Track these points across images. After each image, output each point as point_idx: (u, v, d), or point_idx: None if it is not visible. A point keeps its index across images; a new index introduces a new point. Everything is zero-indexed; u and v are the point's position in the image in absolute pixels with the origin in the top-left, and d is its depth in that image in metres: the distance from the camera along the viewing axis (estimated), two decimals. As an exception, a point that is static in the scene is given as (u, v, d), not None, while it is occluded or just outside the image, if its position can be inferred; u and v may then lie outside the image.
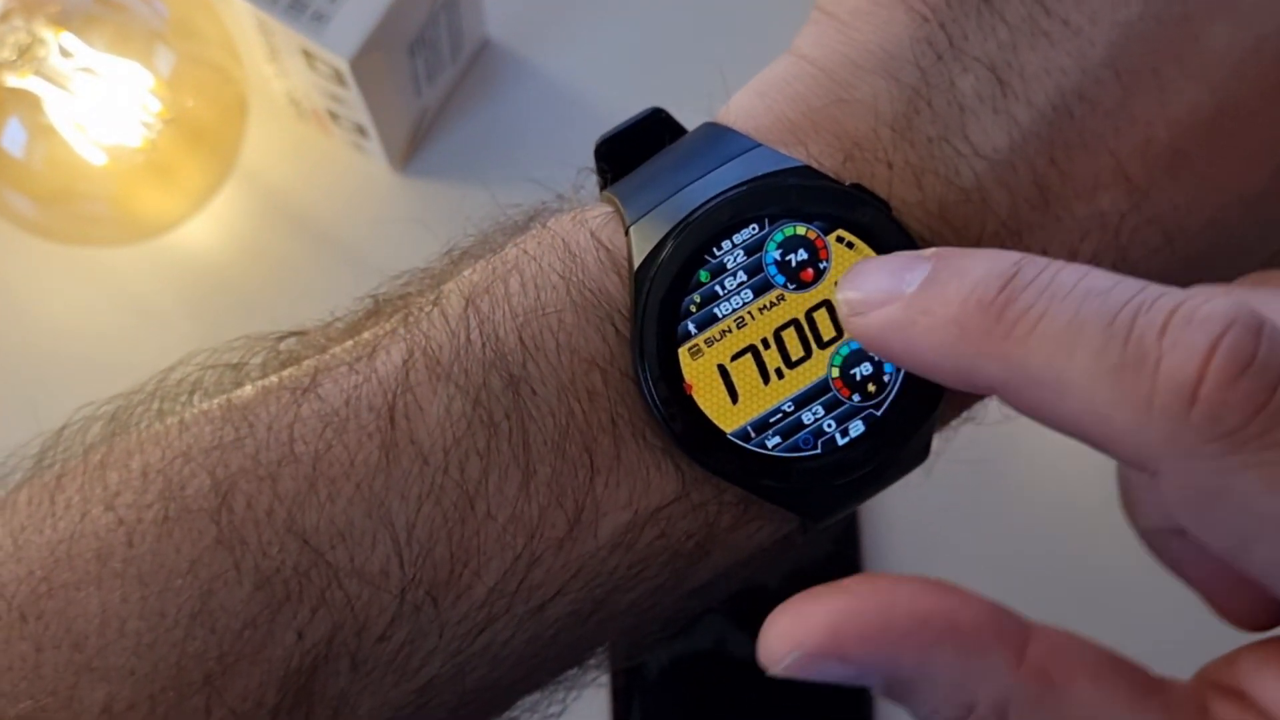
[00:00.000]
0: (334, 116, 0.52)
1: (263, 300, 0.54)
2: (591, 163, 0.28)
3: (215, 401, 0.24)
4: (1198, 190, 0.25)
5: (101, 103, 0.48)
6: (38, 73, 0.47)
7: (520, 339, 0.24)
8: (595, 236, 0.25)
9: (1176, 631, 0.52)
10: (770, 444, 0.24)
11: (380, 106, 0.50)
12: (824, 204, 0.24)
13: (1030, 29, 0.25)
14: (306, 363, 0.25)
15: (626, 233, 0.24)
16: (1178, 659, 0.49)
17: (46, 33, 0.47)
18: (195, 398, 0.26)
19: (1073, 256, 0.25)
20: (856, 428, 0.24)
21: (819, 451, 0.24)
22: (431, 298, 0.25)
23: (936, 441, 0.27)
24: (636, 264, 0.24)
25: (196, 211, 0.53)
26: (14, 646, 0.22)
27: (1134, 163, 0.24)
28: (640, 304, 0.24)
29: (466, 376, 0.24)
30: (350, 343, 0.25)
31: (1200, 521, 0.19)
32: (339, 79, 0.47)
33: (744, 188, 0.24)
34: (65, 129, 0.48)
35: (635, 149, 0.26)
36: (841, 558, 0.51)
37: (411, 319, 0.25)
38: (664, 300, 0.24)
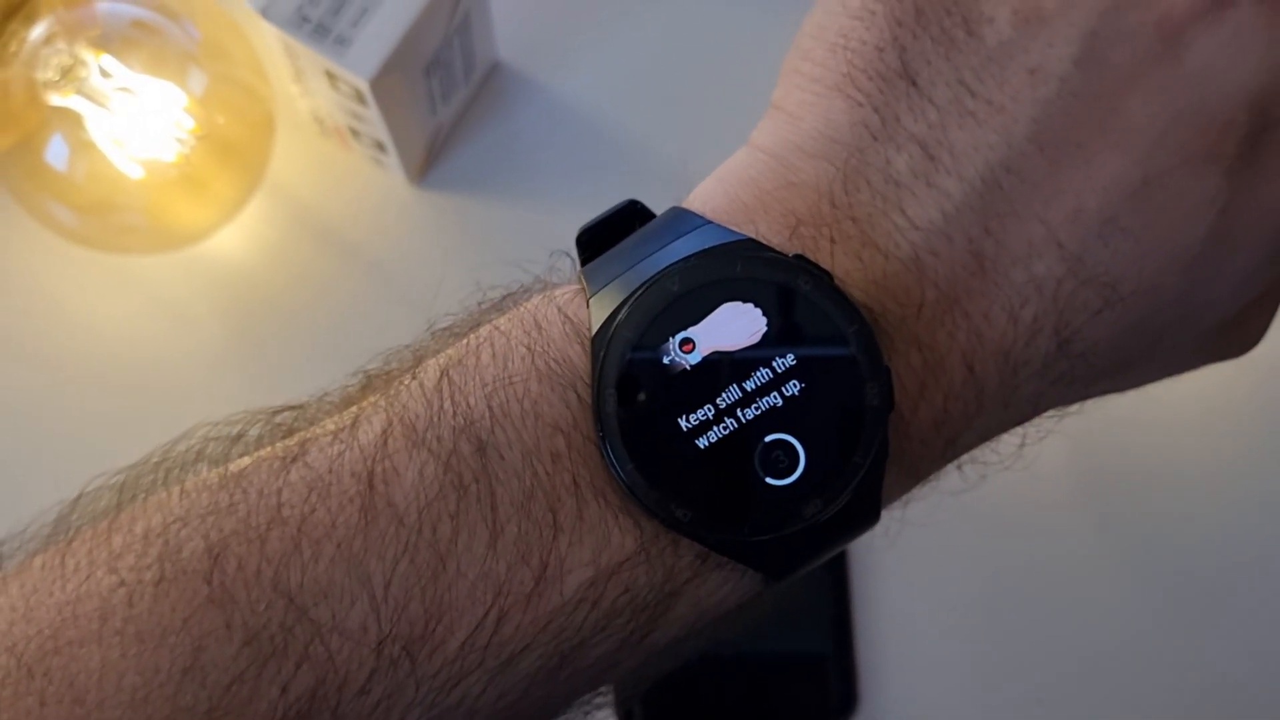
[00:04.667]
0: (355, 133, 0.52)
1: (289, 304, 0.54)
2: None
3: (215, 471, 0.25)
4: (1131, 255, 0.25)
5: (138, 120, 0.48)
6: (79, 92, 0.47)
7: (489, 407, 0.24)
8: (561, 311, 0.25)
9: (1173, 636, 0.52)
10: None
11: (398, 124, 0.50)
12: (764, 271, 0.24)
13: (957, 109, 0.25)
14: (298, 434, 0.25)
15: (589, 305, 0.25)
16: (1176, 662, 0.48)
17: (87, 55, 0.47)
18: (198, 467, 0.26)
19: (1014, 321, 0.25)
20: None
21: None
22: (412, 371, 0.26)
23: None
24: (594, 332, 0.24)
25: (227, 222, 0.53)
26: (21, 701, 0.23)
27: (1065, 230, 0.25)
28: (597, 368, 0.24)
29: (439, 443, 0.24)
30: (339, 415, 0.25)
31: None
32: (360, 98, 0.47)
33: (693, 260, 0.24)
34: (105, 145, 0.48)
35: (610, 235, 0.26)
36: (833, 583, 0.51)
37: (393, 392, 0.25)
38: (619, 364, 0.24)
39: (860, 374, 0.24)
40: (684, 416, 0.24)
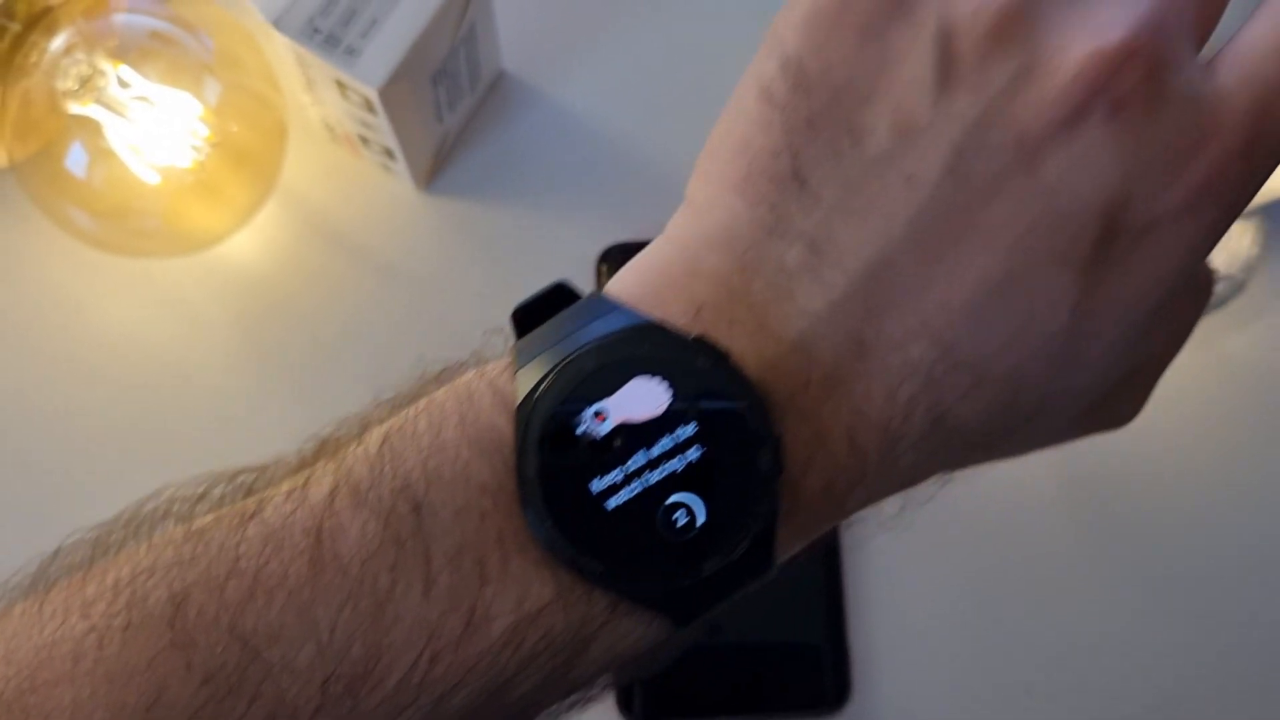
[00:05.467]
0: (364, 140, 0.52)
1: (301, 304, 0.54)
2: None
3: (180, 527, 0.27)
4: (996, 344, 0.27)
5: (155, 128, 0.48)
6: (98, 101, 0.47)
7: (424, 470, 0.26)
8: (491, 384, 0.27)
9: (1159, 645, 0.52)
10: None
11: (406, 131, 0.50)
12: (669, 350, 0.26)
13: (842, 210, 0.27)
14: (256, 494, 0.27)
15: (515, 378, 0.27)
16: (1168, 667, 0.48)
17: (106, 65, 0.48)
18: (165, 524, 0.28)
19: (891, 399, 0.27)
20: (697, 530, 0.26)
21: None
22: (358, 438, 0.28)
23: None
24: (518, 403, 0.26)
25: (241, 226, 0.53)
26: None
27: (936, 320, 0.27)
28: (520, 436, 0.26)
29: (380, 502, 0.26)
30: (293, 477, 0.27)
31: None
32: (369, 107, 0.47)
33: (607, 339, 0.26)
34: (122, 152, 0.48)
35: (540, 314, 0.28)
36: (828, 581, 0.51)
37: (340, 456, 0.27)
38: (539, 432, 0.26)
39: (753, 442, 0.26)
40: (596, 480, 0.26)
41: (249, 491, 0.28)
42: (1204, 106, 0.27)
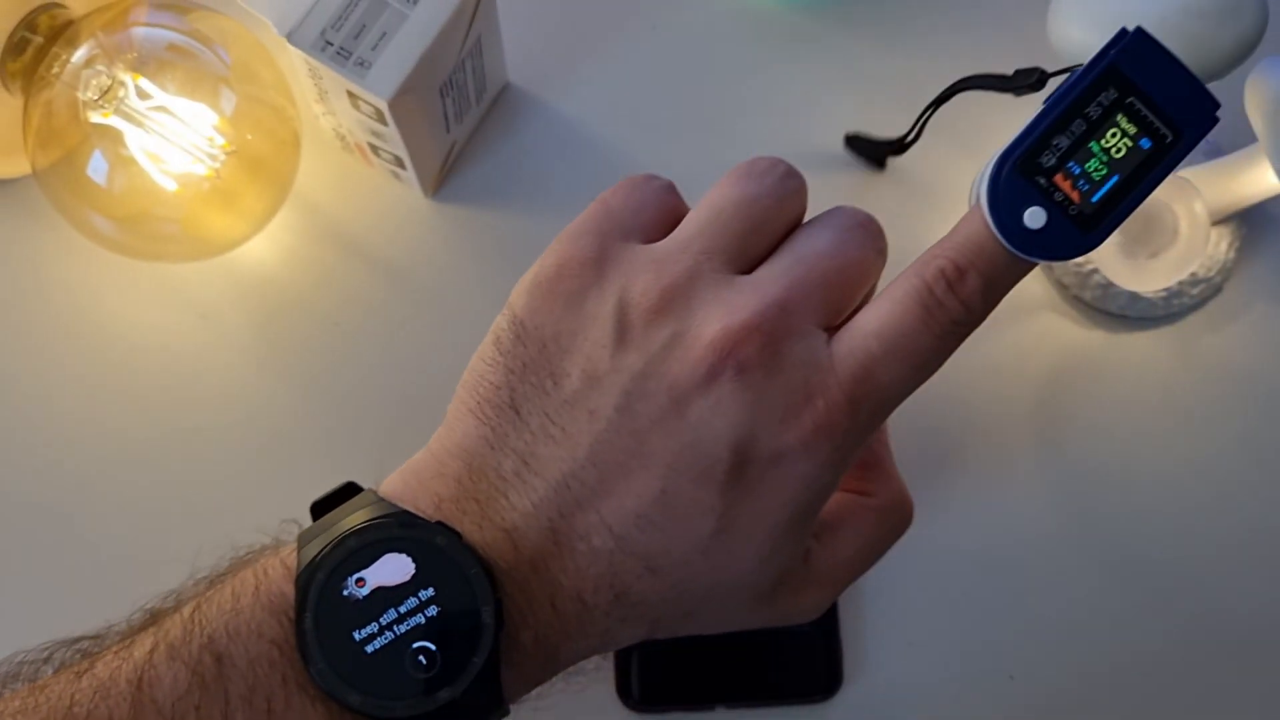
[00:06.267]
0: (375, 150, 0.52)
1: (313, 307, 0.54)
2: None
3: (26, 685, 0.32)
4: (659, 540, 0.34)
5: (173, 137, 0.48)
6: (118, 111, 0.48)
7: (226, 629, 0.32)
8: (283, 561, 0.33)
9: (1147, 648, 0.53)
10: None
11: (415, 141, 0.50)
12: (416, 532, 0.33)
13: (544, 433, 0.34)
14: (91, 656, 0.33)
15: (299, 555, 0.33)
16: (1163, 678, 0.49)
17: (126, 77, 0.48)
18: (14, 685, 0.33)
19: (582, 576, 0.34)
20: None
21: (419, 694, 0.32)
22: (176, 608, 0.33)
23: None
24: (297, 574, 0.32)
25: (256, 232, 0.53)
26: None
27: (612, 519, 0.34)
28: (299, 600, 0.32)
29: (189, 655, 0.32)
30: (121, 641, 0.33)
31: None
32: (379, 117, 0.47)
33: (370, 524, 0.33)
34: (142, 160, 0.48)
35: (332, 505, 0.35)
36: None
37: (161, 622, 0.33)
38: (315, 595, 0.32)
39: (478, 600, 0.32)
40: (357, 630, 0.32)
41: (86, 654, 0.33)
42: (818, 368, 0.34)
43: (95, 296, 0.54)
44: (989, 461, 0.53)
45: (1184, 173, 0.52)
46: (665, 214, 0.38)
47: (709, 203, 0.37)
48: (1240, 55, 0.41)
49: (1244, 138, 0.49)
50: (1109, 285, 0.53)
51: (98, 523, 0.53)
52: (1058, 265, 0.55)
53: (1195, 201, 0.51)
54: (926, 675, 0.52)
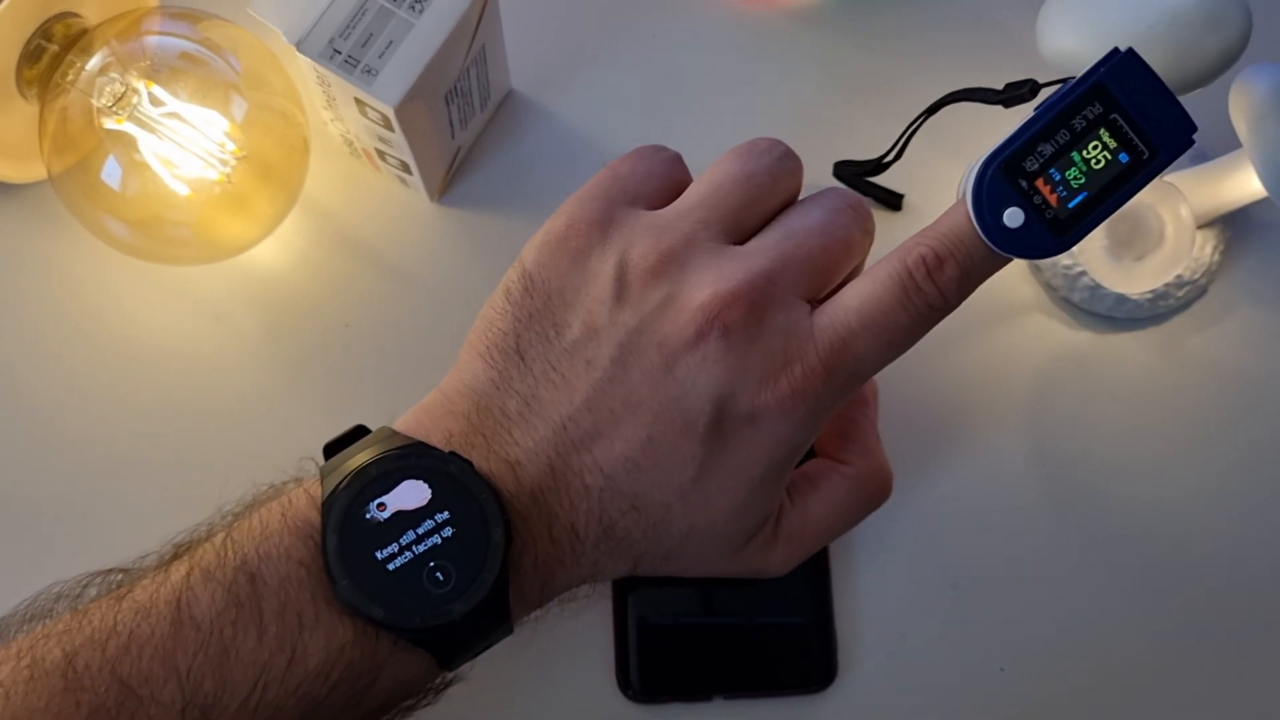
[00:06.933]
0: (382, 155, 0.52)
1: (322, 309, 0.55)
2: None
3: (68, 610, 0.34)
4: (644, 482, 0.37)
5: (185, 143, 0.49)
6: (131, 118, 0.48)
7: (257, 553, 0.34)
8: (306, 490, 0.36)
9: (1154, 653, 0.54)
10: None
11: (421, 146, 0.50)
12: (430, 461, 0.35)
13: (545, 378, 0.37)
14: (129, 582, 0.35)
15: (322, 485, 0.35)
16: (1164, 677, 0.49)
17: (139, 84, 0.48)
18: (58, 607, 0.35)
19: (574, 510, 0.37)
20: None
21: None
22: (208, 538, 0.36)
23: None
24: (323, 500, 0.35)
25: (266, 235, 0.53)
26: None
27: (603, 460, 0.37)
28: (324, 523, 0.34)
29: (224, 575, 0.34)
30: (155, 570, 0.35)
31: None
32: (386, 123, 0.48)
33: (387, 455, 0.35)
34: (155, 165, 0.49)
35: (344, 446, 0.37)
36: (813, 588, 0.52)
37: (193, 548, 0.35)
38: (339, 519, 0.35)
39: (489, 522, 0.35)
40: (379, 550, 0.34)
41: (119, 585, 0.35)
42: (799, 336, 0.36)
43: (109, 298, 0.55)
44: (980, 459, 0.54)
45: (1170, 177, 0.53)
46: (670, 184, 0.40)
47: (709, 176, 0.39)
48: (1225, 63, 0.41)
49: (1228, 143, 0.50)
50: (1097, 287, 0.54)
51: (106, 525, 0.52)
52: (1046, 268, 0.55)
53: (1181, 205, 0.52)
54: (919, 667, 0.52)
